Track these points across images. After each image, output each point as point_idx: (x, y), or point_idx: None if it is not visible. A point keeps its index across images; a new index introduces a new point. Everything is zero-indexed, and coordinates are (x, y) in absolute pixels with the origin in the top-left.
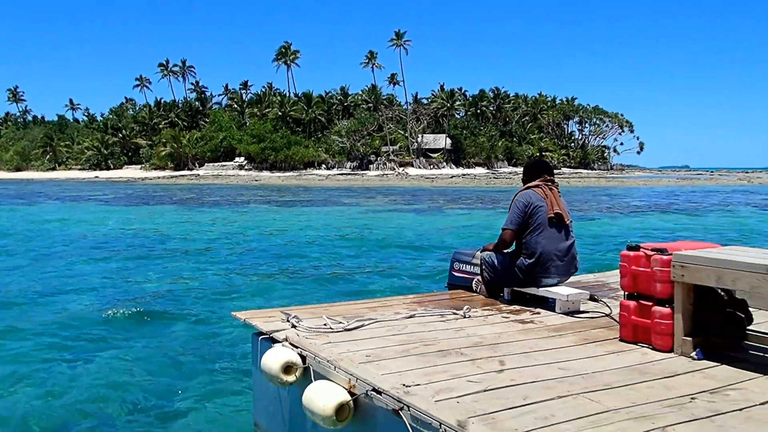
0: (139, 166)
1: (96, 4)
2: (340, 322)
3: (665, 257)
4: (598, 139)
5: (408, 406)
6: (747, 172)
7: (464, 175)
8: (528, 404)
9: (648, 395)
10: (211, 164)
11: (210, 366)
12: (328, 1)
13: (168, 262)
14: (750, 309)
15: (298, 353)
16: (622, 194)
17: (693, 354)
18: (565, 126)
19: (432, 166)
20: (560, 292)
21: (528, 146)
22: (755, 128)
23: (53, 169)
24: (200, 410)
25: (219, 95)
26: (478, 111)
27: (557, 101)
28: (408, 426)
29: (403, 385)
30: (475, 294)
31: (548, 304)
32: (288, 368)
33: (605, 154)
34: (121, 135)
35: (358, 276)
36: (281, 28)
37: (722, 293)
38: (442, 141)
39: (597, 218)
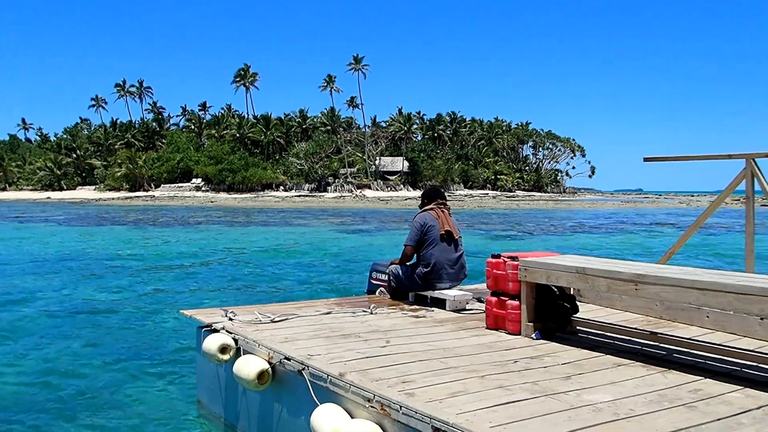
0: (94, 187)
1: (51, 21)
2: (269, 317)
3: (515, 263)
4: (551, 162)
5: (308, 367)
6: (693, 196)
7: (419, 197)
8: (395, 365)
9: (485, 360)
10: (167, 185)
11: (159, 358)
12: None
13: (115, 278)
14: (577, 302)
15: (232, 338)
16: (564, 216)
17: (533, 335)
18: (520, 150)
19: (389, 189)
20: (450, 294)
21: (483, 169)
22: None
23: (3, 189)
24: (149, 393)
25: (177, 116)
26: (435, 134)
27: (512, 126)
28: (308, 382)
29: (308, 355)
30: (386, 297)
31: (442, 304)
32: (224, 349)
33: (558, 178)
34: (75, 155)
35: (290, 285)
36: (241, 50)
37: (555, 289)
38: (399, 164)
39: (526, 238)
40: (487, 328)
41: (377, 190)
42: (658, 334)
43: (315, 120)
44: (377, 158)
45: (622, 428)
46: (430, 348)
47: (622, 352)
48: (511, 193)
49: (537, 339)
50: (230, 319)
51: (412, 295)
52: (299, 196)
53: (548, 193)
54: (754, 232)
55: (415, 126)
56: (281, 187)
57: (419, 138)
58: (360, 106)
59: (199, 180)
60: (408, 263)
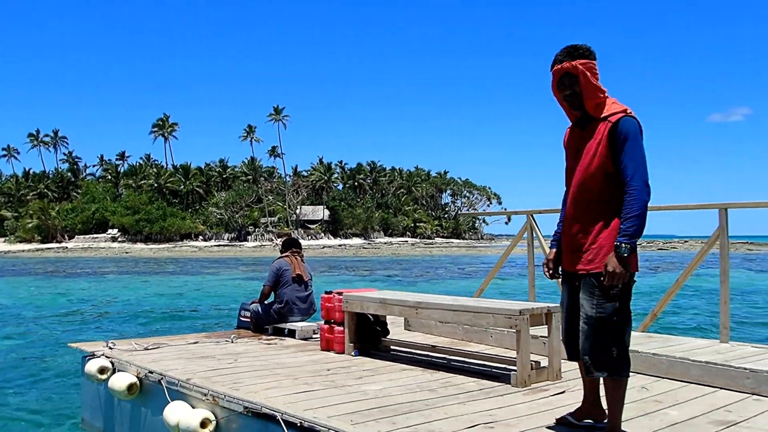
0: (3, 239)
1: None
2: (143, 346)
3: (340, 297)
4: (469, 210)
5: (165, 376)
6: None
7: (339, 245)
8: (233, 374)
9: (306, 370)
10: (82, 236)
11: (45, 386)
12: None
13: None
14: (387, 326)
15: (110, 362)
16: (465, 262)
17: (353, 353)
18: (439, 198)
19: (310, 237)
20: (298, 325)
21: (403, 217)
22: None
23: None
24: (39, 414)
25: (94, 166)
26: (356, 183)
27: (432, 174)
28: (164, 387)
29: (167, 369)
30: (250, 331)
31: (293, 334)
32: (102, 370)
33: (476, 225)
34: None
35: (172, 324)
36: (160, 99)
37: (370, 317)
38: (320, 212)
39: (403, 280)
40: (321, 349)
41: (298, 238)
42: (437, 347)
43: (235, 170)
44: (298, 207)
45: (375, 403)
46: (267, 364)
47: (413, 362)
48: (430, 240)
49: (356, 356)
50: (110, 348)
51: (270, 328)
52: (218, 245)
53: (466, 239)
54: (535, 272)
55: (335, 175)
56: (200, 237)
57: (340, 187)
58: (281, 156)
59: (116, 230)
60: (266, 301)
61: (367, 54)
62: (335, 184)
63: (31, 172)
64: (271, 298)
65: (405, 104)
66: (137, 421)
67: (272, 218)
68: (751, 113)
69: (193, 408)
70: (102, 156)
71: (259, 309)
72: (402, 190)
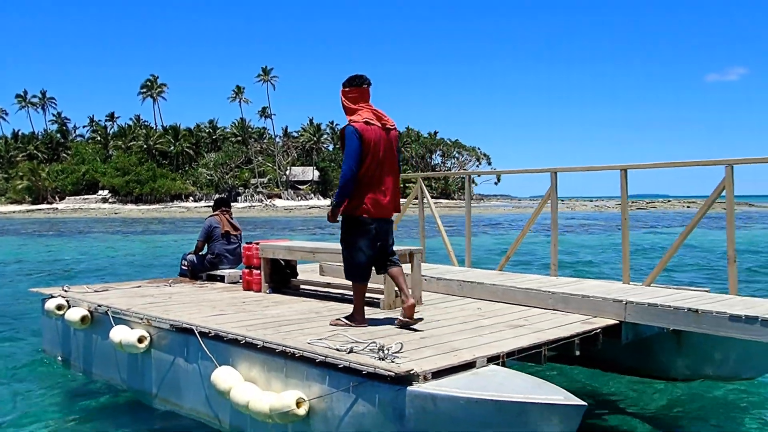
0: None
1: None
2: (94, 289)
3: (257, 246)
4: (458, 170)
5: (110, 308)
6: (605, 200)
7: (328, 206)
8: (165, 305)
9: (226, 302)
10: (73, 198)
11: (11, 325)
12: (196, 34)
13: None
14: (297, 269)
15: (66, 300)
16: (446, 222)
17: (267, 291)
18: (429, 159)
19: (300, 198)
20: (227, 271)
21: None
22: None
23: None
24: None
25: (84, 127)
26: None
27: (422, 135)
28: (110, 316)
29: (112, 303)
30: (188, 278)
31: (223, 279)
32: (59, 307)
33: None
34: None
35: (129, 275)
36: (151, 60)
37: (282, 262)
38: (310, 173)
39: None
40: (243, 289)
41: (288, 199)
42: (331, 284)
43: (225, 131)
44: (288, 168)
45: (270, 320)
46: (195, 299)
47: (313, 296)
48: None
49: (269, 293)
50: (65, 291)
51: (204, 275)
52: (207, 206)
53: (455, 200)
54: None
55: (325, 136)
56: (191, 198)
57: (330, 148)
58: (271, 117)
59: (106, 192)
60: (200, 253)
61: (355, 13)
62: (325, 145)
63: (20, 133)
64: (206, 250)
65: (394, 64)
66: (89, 345)
67: (262, 179)
68: (747, 73)
69: (132, 329)
70: (92, 117)
71: (194, 259)
72: None
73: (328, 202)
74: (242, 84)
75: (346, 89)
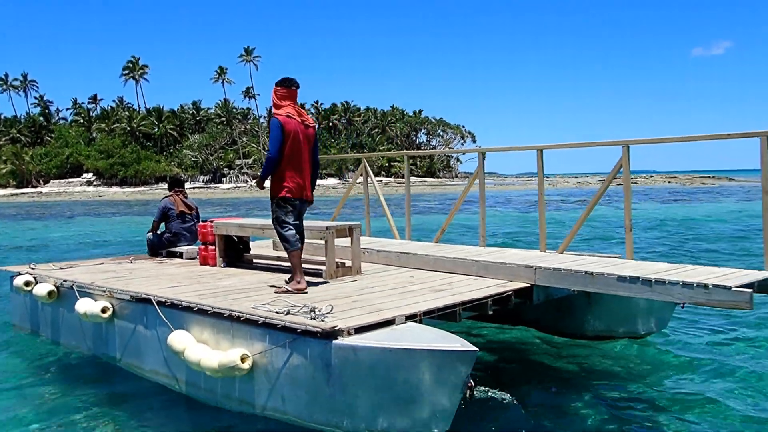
0: None
1: None
2: (59, 267)
3: (212, 224)
4: (443, 148)
5: (75, 282)
6: (589, 176)
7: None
8: (127, 279)
9: (184, 276)
10: (57, 181)
11: None
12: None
13: None
14: (249, 245)
15: (33, 277)
16: (421, 199)
17: (222, 265)
18: (414, 137)
19: None
20: (185, 248)
21: (378, 157)
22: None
23: None
24: None
25: (68, 109)
26: (330, 124)
27: (407, 114)
28: (75, 290)
29: (77, 278)
30: (153, 256)
31: (181, 255)
32: (27, 283)
33: (450, 163)
34: None
35: (94, 254)
36: (130, 40)
37: (235, 238)
38: None
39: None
40: (200, 264)
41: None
42: (282, 258)
43: (209, 112)
44: None
45: (221, 290)
46: (154, 274)
47: (264, 269)
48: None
49: (224, 267)
50: (32, 268)
51: (164, 251)
52: (193, 188)
53: (440, 178)
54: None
55: (309, 116)
56: None
57: (315, 127)
58: (255, 97)
59: (90, 175)
60: (158, 232)
61: None
62: None
63: (2, 117)
64: (164, 230)
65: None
66: (57, 318)
67: (247, 160)
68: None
69: (96, 301)
70: (75, 99)
71: (153, 238)
72: (377, 130)
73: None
74: (225, 65)
75: (278, 88)
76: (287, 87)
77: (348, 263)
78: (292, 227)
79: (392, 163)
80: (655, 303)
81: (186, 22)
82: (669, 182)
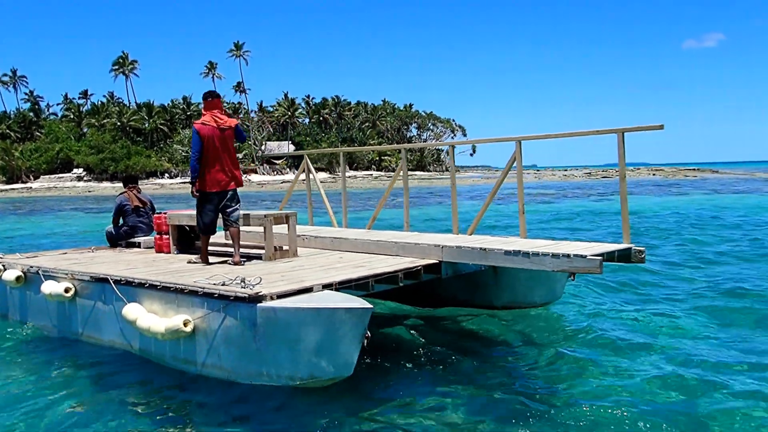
0: None
1: None
2: (26, 256)
3: (165, 216)
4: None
5: (40, 268)
6: (578, 169)
7: (302, 180)
8: (87, 264)
9: (138, 261)
10: (47, 176)
11: None
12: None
13: None
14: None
15: (2, 264)
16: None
17: (175, 252)
18: (405, 131)
19: (276, 173)
20: (142, 239)
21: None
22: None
23: None
24: None
25: (58, 104)
26: (321, 118)
27: (397, 108)
28: (41, 275)
29: (42, 264)
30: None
31: (139, 246)
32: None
33: (440, 157)
34: None
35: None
36: (121, 36)
37: (187, 228)
38: (285, 148)
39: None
40: (155, 252)
41: (264, 174)
42: (228, 245)
43: (200, 107)
44: (263, 143)
45: (170, 270)
46: (113, 260)
47: (213, 254)
48: (393, 172)
49: (177, 254)
50: (1, 257)
51: (123, 243)
52: (183, 182)
53: (430, 172)
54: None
55: (299, 111)
56: (166, 175)
57: (306, 122)
58: (245, 92)
59: (81, 170)
60: (117, 226)
61: None
62: (300, 119)
63: None
64: (122, 223)
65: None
66: (24, 300)
67: (238, 154)
68: (724, 39)
69: (59, 282)
70: (66, 95)
71: (112, 231)
72: (367, 124)
73: (302, 176)
74: (215, 60)
75: (203, 100)
76: (205, 99)
77: (286, 247)
78: (208, 216)
79: (383, 158)
80: (550, 275)
81: (176, 17)
82: (654, 174)
